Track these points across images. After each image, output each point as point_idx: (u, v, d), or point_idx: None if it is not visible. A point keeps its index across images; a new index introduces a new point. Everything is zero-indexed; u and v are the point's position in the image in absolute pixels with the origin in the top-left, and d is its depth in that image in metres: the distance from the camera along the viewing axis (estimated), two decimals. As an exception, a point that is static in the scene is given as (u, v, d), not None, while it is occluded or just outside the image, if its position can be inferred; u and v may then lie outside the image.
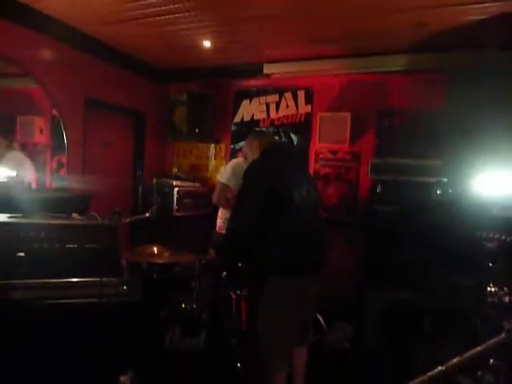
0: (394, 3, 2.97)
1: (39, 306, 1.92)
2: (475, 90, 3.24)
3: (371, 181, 3.66)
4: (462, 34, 3.36)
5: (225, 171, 3.44)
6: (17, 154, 3.79)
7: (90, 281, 1.91)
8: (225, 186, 3.29)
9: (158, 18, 3.47)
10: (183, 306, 2.88)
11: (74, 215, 2.09)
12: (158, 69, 4.95)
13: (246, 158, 2.74)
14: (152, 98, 4.97)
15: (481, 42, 3.42)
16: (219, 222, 3.58)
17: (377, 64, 4.02)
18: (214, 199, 3.44)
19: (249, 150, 2.67)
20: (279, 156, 2.48)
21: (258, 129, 4.64)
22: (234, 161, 3.50)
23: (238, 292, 2.87)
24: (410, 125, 3.90)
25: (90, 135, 4.14)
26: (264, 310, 2.30)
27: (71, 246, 1.90)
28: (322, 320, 3.39)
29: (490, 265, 1.97)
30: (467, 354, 1.09)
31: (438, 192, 3.22)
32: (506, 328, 1.02)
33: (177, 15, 3.40)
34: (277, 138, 4.60)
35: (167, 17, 3.43)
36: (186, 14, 3.36)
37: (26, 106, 4.12)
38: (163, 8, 3.27)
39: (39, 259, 1.92)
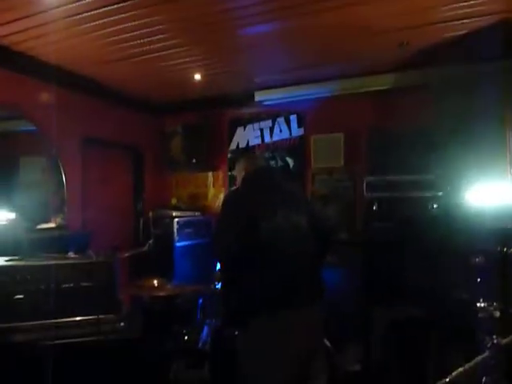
0: (375, 26, 3.06)
1: (38, 348, 1.93)
2: (462, 103, 3.28)
3: (368, 199, 3.67)
4: (445, 49, 3.43)
5: None
6: None
7: (88, 319, 1.92)
8: None
9: (150, 56, 3.57)
10: (186, 338, 2.88)
11: (70, 254, 2.12)
12: (152, 103, 5.07)
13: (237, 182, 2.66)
14: (148, 131, 5.07)
15: (464, 56, 3.49)
16: None
17: (365, 84, 4.11)
18: None
19: (238, 175, 2.60)
20: (254, 184, 2.38)
21: (247, 153, 4.71)
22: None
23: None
24: (403, 141, 3.94)
25: (88, 172, 4.22)
26: (246, 353, 2.08)
27: (67, 285, 1.93)
28: (328, 344, 3.35)
29: (478, 280, 1.95)
30: (458, 372, 1.08)
31: (434, 206, 3.23)
32: (488, 345, 1.02)
33: (169, 51, 3.50)
34: (273, 162, 4.66)
35: (159, 54, 3.54)
36: (178, 49, 3.47)
37: (28, 147, 4.21)
38: (155, 46, 3.37)
39: (36, 301, 1.94)
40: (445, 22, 2.99)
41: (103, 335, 1.93)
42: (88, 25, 2.97)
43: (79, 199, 4.05)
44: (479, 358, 1.03)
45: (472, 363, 1.03)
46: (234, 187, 2.76)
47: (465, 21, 2.98)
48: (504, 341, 1.09)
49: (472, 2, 2.71)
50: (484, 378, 1.13)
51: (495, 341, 1.06)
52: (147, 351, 2.54)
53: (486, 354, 1.02)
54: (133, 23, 2.96)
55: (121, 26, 3.00)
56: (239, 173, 2.55)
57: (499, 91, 3.16)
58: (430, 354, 2.91)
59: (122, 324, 1.96)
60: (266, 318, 1.97)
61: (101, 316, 1.93)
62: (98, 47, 3.38)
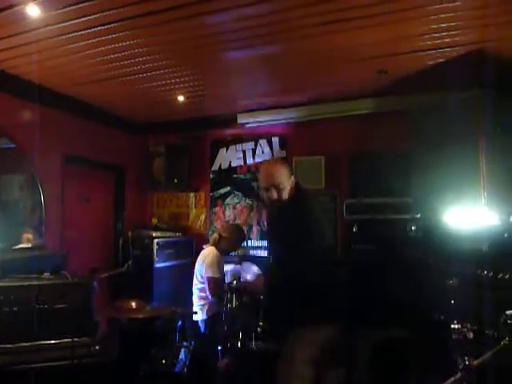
0: (354, 54, 3.17)
1: (11, 372, 1.86)
2: (438, 129, 3.39)
3: (348, 221, 3.71)
4: (422, 77, 3.56)
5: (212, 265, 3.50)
6: None
7: (61, 342, 1.87)
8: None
9: (134, 77, 3.60)
10: (164, 361, 2.81)
11: (46, 275, 2.07)
12: (135, 123, 5.08)
13: (282, 190, 2.27)
14: (131, 151, 5.06)
15: (440, 84, 3.62)
16: None
17: (345, 109, 4.20)
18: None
19: (286, 183, 2.26)
20: (310, 196, 2.43)
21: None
22: (211, 252, 3.55)
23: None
24: (382, 165, 4.02)
25: (69, 191, 4.16)
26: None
27: (41, 307, 1.88)
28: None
29: (452, 301, 1.99)
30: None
31: (412, 228, 3.29)
32: (461, 367, 1.04)
33: (153, 73, 3.53)
34: (254, 183, 4.68)
35: (144, 75, 3.56)
36: (162, 71, 3.50)
37: (5, 165, 4.14)
38: (139, 67, 3.40)
39: (9, 323, 1.88)
40: (422, 51, 3.11)
41: (78, 359, 1.88)
42: (72, 45, 2.99)
43: (58, 218, 3.97)
44: (451, 379, 1.04)
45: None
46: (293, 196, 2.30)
47: (441, 50, 3.10)
48: (475, 362, 1.11)
49: (447, 33, 2.83)
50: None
51: (467, 362, 1.08)
52: (123, 375, 2.48)
53: (458, 375, 1.04)
54: (117, 45, 2.99)
55: (105, 47, 3.03)
56: (288, 180, 2.29)
57: (473, 118, 3.28)
58: (412, 374, 2.90)
59: (97, 347, 1.92)
60: (317, 327, 2.13)
61: (76, 339, 1.88)
62: (81, 67, 3.40)
